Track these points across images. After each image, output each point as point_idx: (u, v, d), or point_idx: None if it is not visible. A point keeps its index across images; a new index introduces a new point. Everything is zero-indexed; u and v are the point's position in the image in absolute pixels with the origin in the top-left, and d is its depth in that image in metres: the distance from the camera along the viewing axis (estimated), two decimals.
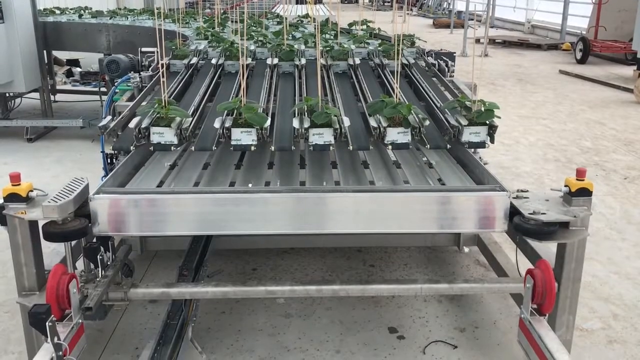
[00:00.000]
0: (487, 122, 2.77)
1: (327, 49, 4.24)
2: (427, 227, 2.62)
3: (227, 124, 2.66)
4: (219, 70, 3.91)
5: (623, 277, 3.77)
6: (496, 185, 2.60)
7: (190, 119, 2.79)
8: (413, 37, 4.78)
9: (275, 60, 3.98)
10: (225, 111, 2.77)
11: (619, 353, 3.00)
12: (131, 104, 3.36)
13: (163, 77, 2.88)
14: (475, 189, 2.62)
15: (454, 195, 2.53)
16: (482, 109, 2.79)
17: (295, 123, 2.74)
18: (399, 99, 2.91)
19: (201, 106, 3.21)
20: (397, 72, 3.09)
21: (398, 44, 3.30)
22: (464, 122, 2.76)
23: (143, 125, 2.65)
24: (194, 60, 4.01)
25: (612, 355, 2.98)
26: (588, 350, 3.02)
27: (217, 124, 2.67)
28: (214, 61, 3.96)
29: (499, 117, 2.77)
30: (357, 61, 3.99)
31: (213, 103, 3.33)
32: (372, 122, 2.77)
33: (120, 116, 3.03)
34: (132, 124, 2.68)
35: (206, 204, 2.49)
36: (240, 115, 2.66)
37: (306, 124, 2.68)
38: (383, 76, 3.78)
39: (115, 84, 4.12)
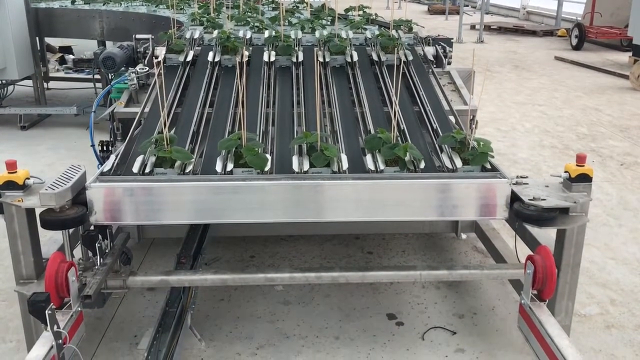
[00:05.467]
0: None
1: (325, 40, 4.14)
2: (427, 215, 2.61)
3: (228, 167, 2.61)
4: (217, 67, 3.78)
5: (620, 263, 3.78)
6: (497, 173, 2.59)
7: (193, 159, 2.70)
8: (411, 22, 4.74)
9: (273, 57, 3.86)
10: (225, 150, 2.69)
11: (617, 338, 3.02)
12: (129, 110, 3.43)
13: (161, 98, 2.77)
14: (476, 176, 2.60)
15: (454, 183, 2.51)
16: (477, 147, 2.71)
17: (295, 164, 2.67)
18: (397, 134, 2.85)
19: (202, 119, 3.21)
20: (397, 87, 2.99)
21: (395, 41, 3.15)
22: (458, 163, 2.71)
23: (147, 170, 2.60)
24: (190, 56, 3.87)
25: (610, 340, 3.00)
26: (586, 335, 3.03)
27: (218, 167, 2.61)
28: (210, 56, 3.83)
29: (493, 157, 2.72)
30: (355, 57, 3.86)
31: (213, 111, 3.27)
32: (370, 164, 2.73)
33: (119, 151, 2.94)
34: (135, 168, 2.60)
35: (203, 192, 2.46)
36: (242, 156, 2.61)
37: (305, 165, 2.63)
38: (382, 81, 3.69)
39: (112, 81, 4.06)
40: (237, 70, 2.93)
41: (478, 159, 2.68)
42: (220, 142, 2.72)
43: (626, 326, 3.12)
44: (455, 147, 2.82)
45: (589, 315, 3.21)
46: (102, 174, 2.55)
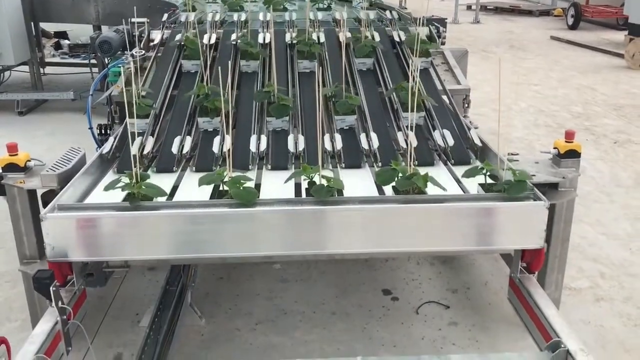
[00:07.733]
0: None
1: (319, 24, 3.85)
2: (448, 245, 2.35)
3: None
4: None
5: (611, 238, 3.85)
6: (529, 194, 2.32)
7: (166, 195, 2.41)
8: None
9: (267, 39, 3.63)
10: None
11: (606, 309, 3.10)
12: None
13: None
14: (505, 199, 2.30)
15: (481, 206, 2.28)
16: (512, 179, 2.34)
17: (290, 144, 2.55)
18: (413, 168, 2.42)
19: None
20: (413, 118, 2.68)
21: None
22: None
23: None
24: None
25: (599, 312, 3.08)
26: (576, 307, 3.11)
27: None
28: (205, 39, 3.66)
29: (532, 187, 2.37)
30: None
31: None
32: (364, 143, 2.62)
33: (117, 133, 2.96)
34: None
35: (181, 222, 2.17)
36: (226, 192, 2.30)
37: (301, 145, 2.49)
38: (376, 63, 3.58)
39: (108, 65, 4.09)
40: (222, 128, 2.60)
41: (515, 189, 2.31)
42: (200, 179, 2.37)
43: (615, 298, 3.20)
44: (485, 185, 2.44)
45: (579, 288, 3.29)
46: (63, 203, 2.26)
